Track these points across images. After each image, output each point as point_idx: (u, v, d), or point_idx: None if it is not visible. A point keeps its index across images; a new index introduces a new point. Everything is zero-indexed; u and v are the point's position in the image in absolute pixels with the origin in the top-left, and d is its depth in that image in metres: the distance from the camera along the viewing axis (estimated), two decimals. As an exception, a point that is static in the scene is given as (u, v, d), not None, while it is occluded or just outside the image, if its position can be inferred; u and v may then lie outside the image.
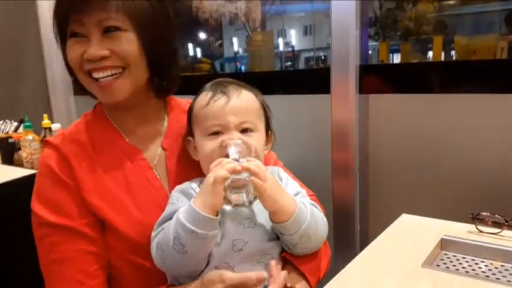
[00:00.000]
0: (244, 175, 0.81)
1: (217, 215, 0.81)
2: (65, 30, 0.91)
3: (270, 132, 1.01)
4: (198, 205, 0.81)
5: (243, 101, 0.93)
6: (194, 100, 0.98)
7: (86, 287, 0.90)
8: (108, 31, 0.88)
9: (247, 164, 0.81)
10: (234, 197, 0.82)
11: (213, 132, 0.91)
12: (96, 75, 0.90)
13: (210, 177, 0.81)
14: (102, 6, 0.86)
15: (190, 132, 0.99)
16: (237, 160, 0.83)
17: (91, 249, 0.92)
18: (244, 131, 0.92)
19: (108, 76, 0.90)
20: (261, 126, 0.96)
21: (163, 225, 0.87)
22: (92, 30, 0.88)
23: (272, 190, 0.83)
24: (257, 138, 0.93)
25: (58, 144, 0.95)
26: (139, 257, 0.93)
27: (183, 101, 1.12)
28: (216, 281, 0.82)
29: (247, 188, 0.81)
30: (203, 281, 0.84)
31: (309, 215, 0.88)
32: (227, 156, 0.85)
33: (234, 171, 0.80)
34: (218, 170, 0.81)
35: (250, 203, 0.83)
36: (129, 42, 0.90)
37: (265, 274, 0.83)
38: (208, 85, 0.98)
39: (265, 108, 0.99)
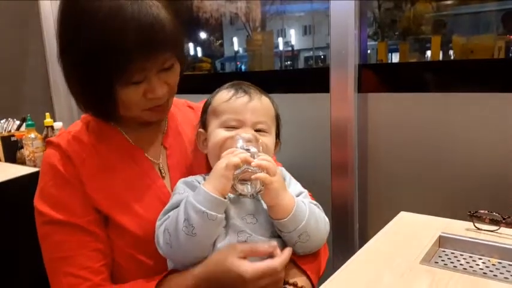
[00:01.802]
0: (255, 168, 0.83)
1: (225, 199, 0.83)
2: (113, 76, 0.85)
3: (278, 140, 1.04)
4: (209, 188, 0.83)
5: (263, 104, 0.97)
6: (213, 95, 1.01)
7: (91, 283, 0.90)
8: (164, 69, 0.91)
9: (259, 161, 0.84)
10: (240, 186, 0.84)
11: (230, 126, 0.94)
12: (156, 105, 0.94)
13: (222, 162, 0.83)
14: (164, 52, 0.87)
15: (202, 124, 1.01)
16: (248, 151, 0.86)
17: (96, 246, 0.92)
18: (258, 130, 0.95)
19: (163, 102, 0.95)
20: (273, 132, 1.00)
21: (169, 213, 0.89)
22: (152, 73, 0.88)
23: (277, 184, 0.86)
24: (269, 140, 0.96)
25: (60, 143, 0.96)
26: (141, 253, 0.94)
27: (180, 101, 1.15)
28: (226, 251, 0.84)
29: (254, 180, 0.83)
30: (209, 262, 0.86)
31: (308, 214, 0.90)
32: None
33: (246, 162, 0.83)
34: (231, 156, 0.83)
35: (253, 196, 0.85)
36: (177, 73, 0.95)
37: (276, 243, 0.87)
38: (228, 84, 1.02)
39: (278, 117, 1.03)
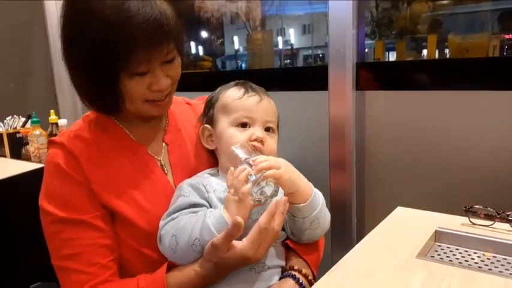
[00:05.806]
0: (260, 173, 0.85)
1: None
2: (120, 67, 0.86)
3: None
4: (228, 216, 0.84)
5: (271, 104, 1.01)
6: (220, 92, 1.03)
7: (100, 279, 0.91)
8: (167, 61, 0.92)
9: (258, 166, 0.85)
10: (259, 196, 0.86)
11: (241, 123, 0.96)
12: (158, 99, 0.95)
13: (234, 194, 0.85)
14: (168, 43, 0.88)
15: (208, 120, 1.03)
16: (247, 160, 0.87)
17: (104, 241, 0.93)
18: (267, 129, 0.98)
19: (164, 96, 0.95)
20: (277, 131, 1.02)
21: (173, 215, 0.91)
22: (156, 65, 0.90)
23: (288, 174, 0.88)
24: (275, 139, 1.00)
25: (63, 141, 0.96)
26: (147, 247, 0.95)
27: (178, 98, 1.16)
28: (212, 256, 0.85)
29: (266, 180, 0.85)
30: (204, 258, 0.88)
31: (321, 201, 0.94)
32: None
33: (248, 175, 0.85)
34: (239, 186, 0.84)
35: (275, 193, 0.87)
36: (179, 66, 0.96)
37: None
38: (233, 83, 1.04)
39: (278, 117, 1.05)
